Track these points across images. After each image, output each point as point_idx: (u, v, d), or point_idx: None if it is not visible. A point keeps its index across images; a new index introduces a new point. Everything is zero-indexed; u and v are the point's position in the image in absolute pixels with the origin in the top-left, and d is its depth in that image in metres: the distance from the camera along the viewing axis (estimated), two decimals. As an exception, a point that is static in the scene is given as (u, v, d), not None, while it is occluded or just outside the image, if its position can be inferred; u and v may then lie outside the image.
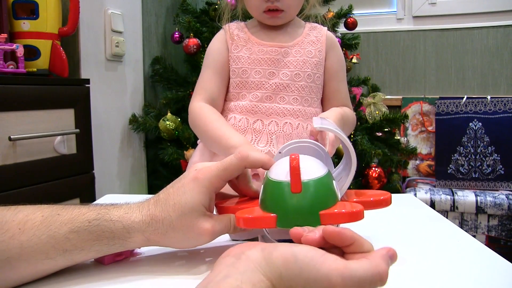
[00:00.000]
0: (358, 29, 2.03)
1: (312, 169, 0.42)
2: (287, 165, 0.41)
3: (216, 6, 1.82)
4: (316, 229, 0.35)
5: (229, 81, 0.80)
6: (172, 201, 0.44)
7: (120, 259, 0.48)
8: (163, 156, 1.77)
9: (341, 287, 0.30)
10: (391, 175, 1.96)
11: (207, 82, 0.79)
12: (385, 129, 1.94)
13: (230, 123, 0.78)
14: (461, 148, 1.98)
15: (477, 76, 2.23)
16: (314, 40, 0.81)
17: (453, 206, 1.80)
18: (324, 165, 0.44)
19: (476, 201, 1.77)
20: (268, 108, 0.77)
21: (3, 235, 0.40)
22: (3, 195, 1.08)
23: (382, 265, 0.32)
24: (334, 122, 0.63)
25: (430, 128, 2.15)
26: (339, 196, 0.43)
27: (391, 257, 0.33)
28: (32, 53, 1.30)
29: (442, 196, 1.81)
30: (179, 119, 1.78)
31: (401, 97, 2.24)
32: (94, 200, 1.05)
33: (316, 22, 0.86)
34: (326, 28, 0.84)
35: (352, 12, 2.00)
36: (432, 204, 1.80)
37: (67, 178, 1.27)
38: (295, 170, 0.40)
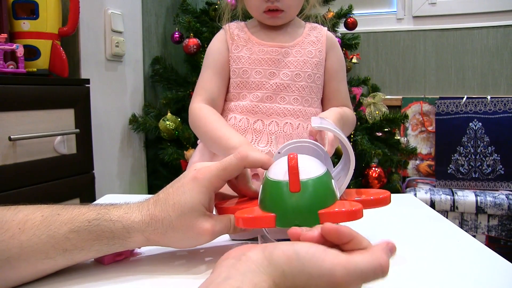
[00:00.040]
0: (358, 29, 2.03)
1: (311, 168, 0.42)
2: (286, 164, 0.41)
3: (216, 6, 1.82)
4: (314, 228, 0.35)
5: (229, 81, 0.80)
6: (172, 200, 0.44)
7: (120, 259, 0.48)
8: (163, 156, 1.77)
9: (345, 280, 0.31)
10: (391, 175, 1.96)
11: (207, 82, 0.79)
12: (385, 129, 1.94)
13: (231, 123, 0.78)
14: (461, 148, 1.98)
15: (477, 76, 2.23)
16: (314, 40, 0.81)
17: (453, 206, 1.80)
18: (323, 164, 0.44)
19: (476, 201, 1.77)
20: (268, 108, 0.77)
21: (3, 234, 0.40)
22: (3, 195, 1.08)
23: (383, 257, 0.32)
24: (333, 122, 0.63)
25: (430, 128, 2.15)
26: (338, 195, 0.43)
27: (391, 249, 0.34)
28: (32, 53, 1.30)
29: (442, 196, 1.81)
30: (179, 119, 1.78)
31: (401, 97, 2.24)
32: (94, 200, 1.05)
33: (316, 22, 0.86)
34: (326, 28, 0.84)
35: (352, 12, 2.00)
36: (432, 204, 1.80)
37: (67, 178, 1.27)
38: (293, 169, 0.40)
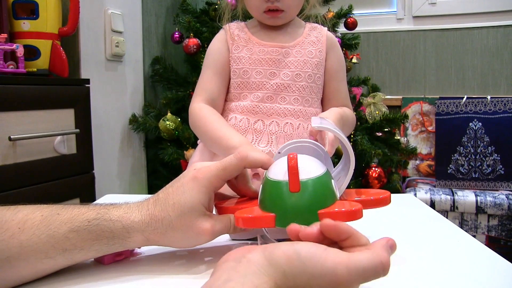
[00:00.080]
0: (358, 29, 2.03)
1: (310, 168, 0.42)
2: (286, 164, 0.41)
3: (216, 6, 1.82)
4: (313, 224, 0.35)
5: (230, 81, 0.80)
6: (172, 200, 0.44)
7: (120, 259, 0.48)
8: (163, 156, 1.77)
9: (346, 279, 0.31)
10: (391, 175, 1.96)
11: (207, 82, 0.79)
12: (385, 129, 1.94)
13: (231, 123, 0.78)
14: (461, 148, 1.98)
15: (477, 76, 2.23)
16: (315, 41, 0.81)
17: (453, 206, 1.80)
18: (323, 164, 0.44)
19: (476, 201, 1.77)
20: (269, 108, 0.77)
21: (2, 234, 0.40)
22: (3, 195, 1.08)
23: (383, 255, 0.32)
24: (333, 122, 0.63)
25: (430, 128, 2.15)
26: (338, 195, 0.43)
27: (391, 247, 0.34)
28: (32, 53, 1.30)
29: (442, 196, 1.81)
30: (179, 119, 1.78)
31: (401, 97, 2.24)
32: (94, 200, 1.05)
33: (316, 22, 0.86)
34: (326, 28, 0.84)
35: (352, 12, 2.00)
36: (432, 204, 1.80)
37: (67, 178, 1.27)
38: (293, 169, 0.40)
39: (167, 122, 1.75)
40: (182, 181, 0.46)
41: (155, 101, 2.02)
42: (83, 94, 1.35)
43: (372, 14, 2.38)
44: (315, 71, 0.79)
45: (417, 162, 2.17)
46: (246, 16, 0.86)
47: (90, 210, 0.44)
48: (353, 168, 0.46)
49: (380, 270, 0.32)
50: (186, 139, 1.74)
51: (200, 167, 0.46)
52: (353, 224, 0.39)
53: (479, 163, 1.95)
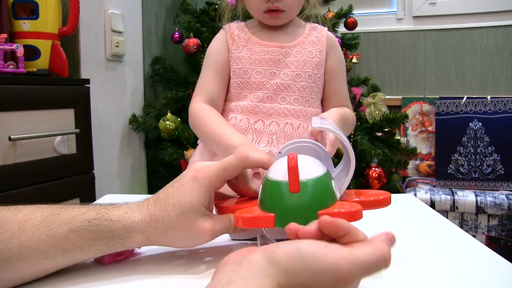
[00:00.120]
0: (358, 29, 2.03)
1: (311, 168, 0.42)
2: (286, 165, 0.41)
3: (216, 6, 1.82)
4: (311, 223, 0.35)
5: (230, 81, 0.80)
6: (172, 200, 0.44)
7: (120, 259, 0.48)
8: (163, 156, 1.77)
9: (349, 274, 0.31)
10: (391, 175, 1.96)
11: (207, 82, 0.79)
12: (385, 129, 1.94)
13: (231, 123, 0.78)
14: (461, 148, 1.98)
15: (477, 76, 2.23)
16: (315, 41, 0.81)
17: (453, 206, 1.80)
18: (323, 164, 0.44)
19: (476, 201, 1.77)
20: (269, 108, 0.77)
21: (3, 234, 0.40)
22: (3, 195, 1.08)
23: (384, 248, 0.32)
24: (333, 122, 0.63)
25: (430, 128, 2.15)
26: (338, 196, 0.43)
27: (391, 240, 0.34)
28: (32, 53, 1.30)
29: (442, 196, 1.81)
30: (179, 119, 1.78)
31: (401, 97, 2.24)
32: (94, 200, 1.05)
33: (316, 22, 0.86)
34: (326, 28, 0.84)
35: (352, 12, 2.00)
36: (432, 204, 1.80)
37: (67, 178, 1.27)
38: (293, 169, 0.40)
39: (167, 122, 1.75)
40: (182, 181, 0.46)
41: (155, 101, 2.02)
42: (83, 94, 1.35)
43: (372, 14, 2.38)
44: (315, 71, 0.79)
45: (417, 162, 2.17)
46: (246, 16, 0.86)
47: (90, 210, 0.44)
48: (354, 168, 0.46)
49: (382, 263, 0.32)
50: (186, 139, 1.74)
51: (200, 167, 0.46)
52: (353, 224, 0.39)
53: (479, 163, 1.95)
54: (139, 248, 0.50)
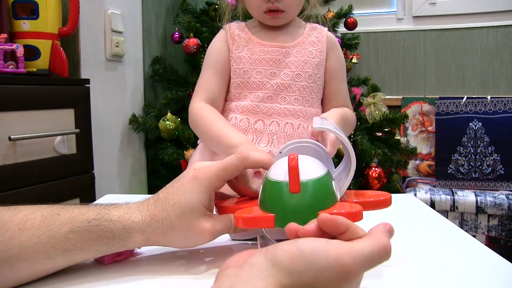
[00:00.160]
0: (358, 29, 2.03)
1: (311, 169, 0.42)
2: (286, 165, 0.41)
3: (216, 6, 1.82)
4: (310, 222, 0.35)
5: (230, 81, 0.80)
6: (172, 200, 0.44)
7: (120, 259, 0.48)
8: (163, 156, 1.77)
9: (353, 268, 0.31)
10: (391, 175, 1.96)
11: (207, 82, 0.79)
12: (385, 129, 1.94)
13: (231, 123, 0.78)
14: (461, 148, 1.98)
15: (477, 76, 2.23)
16: (315, 41, 0.81)
17: (453, 206, 1.80)
18: (324, 165, 0.44)
19: (476, 201, 1.77)
20: (269, 108, 0.77)
21: (3, 235, 0.40)
22: (3, 195, 1.08)
23: (384, 239, 0.33)
24: (334, 123, 0.63)
25: (430, 128, 2.15)
26: (338, 197, 0.43)
27: (389, 230, 0.34)
28: (32, 53, 1.30)
29: (442, 196, 1.81)
30: (179, 119, 1.78)
31: (401, 97, 2.24)
32: (94, 200, 1.05)
33: (316, 23, 0.86)
34: (326, 28, 0.84)
35: (352, 12, 2.00)
36: (432, 204, 1.80)
37: (67, 178, 1.27)
38: (293, 170, 0.40)
39: (167, 122, 1.75)
40: (182, 181, 0.46)
41: (155, 101, 2.02)
42: (83, 94, 1.35)
43: (372, 14, 2.38)
44: (316, 71, 0.79)
45: (417, 162, 2.17)
46: (247, 16, 0.86)
47: (90, 210, 0.44)
48: (354, 169, 0.46)
49: (384, 254, 0.32)
50: (186, 139, 1.74)
51: (200, 166, 0.46)
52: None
53: (479, 163, 1.95)
54: (139, 248, 0.50)
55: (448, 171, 1.99)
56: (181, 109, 1.85)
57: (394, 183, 1.96)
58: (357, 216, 0.39)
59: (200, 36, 1.85)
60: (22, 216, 0.42)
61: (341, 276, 0.31)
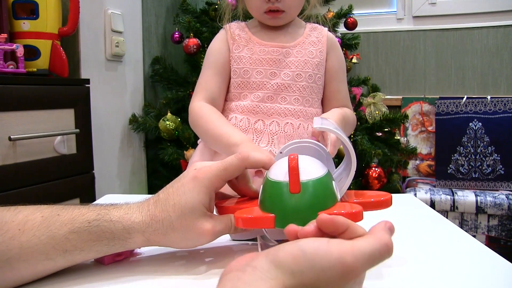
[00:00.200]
0: (358, 29, 2.03)
1: (311, 169, 0.42)
2: (286, 165, 0.41)
3: (216, 6, 1.82)
4: (310, 223, 0.35)
5: (230, 81, 0.80)
6: (172, 201, 0.44)
7: (120, 259, 0.48)
8: (163, 156, 1.77)
9: (355, 266, 0.31)
10: (391, 175, 1.96)
11: (207, 82, 0.79)
12: (385, 129, 1.94)
13: (231, 123, 0.78)
14: (461, 148, 1.98)
15: (477, 76, 2.23)
16: (315, 41, 0.81)
17: (453, 206, 1.80)
18: (324, 165, 0.44)
19: (476, 201, 1.77)
20: (269, 108, 0.77)
21: (3, 235, 0.40)
22: (3, 195, 1.08)
23: (385, 236, 0.33)
24: (335, 123, 0.63)
25: (430, 128, 2.15)
26: (339, 197, 0.43)
27: (390, 228, 0.34)
28: (32, 53, 1.30)
29: (442, 196, 1.81)
30: (179, 119, 1.78)
31: (401, 97, 2.24)
32: (94, 200, 1.05)
33: (316, 23, 0.86)
34: (326, 28, 0.84)
35: (352, 12, 2.00)
36: (432, 204, 1.80)
37: (67, 178, 1.27)
38: (293, 170, 0.40)
39: (167, 122, 1.75)
40: (182, 181, 0.45)
41: (155, 101, 2.02)
42: (83, 94, 1.35)
43: (372, 14, 2.38)
44: (316, 71, 0.79)
45: (417, 162, 2.17)
46: (247, 16, 0.86)
47: (91, 211, 0.44)
48: (355, 169, 0.46)
49: (385, 252, 0.32)
50: (186, 139, 1.74)
51: (200, 167, 0.46)
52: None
53: (479, 163, 1.95)
54: (139, 248, 0.50)
55: (448, 171, 1.99)
56: (181, 109, 1.85)
57: (394, 183, 1.96)
58: (357, 217, 0.39)
59: (200, 36, 1.85)
60: (22, 216, 0.42)
61: (344, 275, 0.31)
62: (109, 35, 1.64)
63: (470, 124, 1.98)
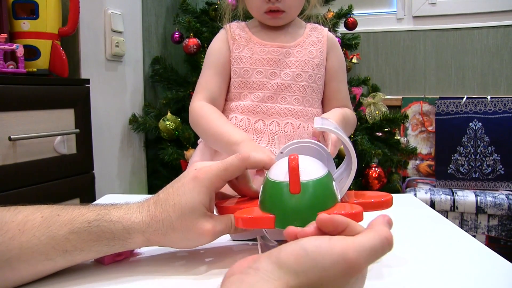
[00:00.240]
0: (358, 29, 2.03)
1: (312, 169, 0.42)
2: (286, 165, 0.41)
3: (216, 6, 1.82)
4: (309, 224, 0.35)
5: (230, 81, 0.80)
6: (172, 201, 0.44)
7: (120, 259, 0.48)
8: (163, 156, 1.77)
9: (357, 262, 0.31)
10: (391, 175, 1.96)
11: (208, 81, 0.79)
12: (385, 129, 1.94)
13: (231, 123, 0.78)
14: (461, 148, 1.98)
15: (477, 76, 2.23)
16: (315, 41, 0.81)
17: (453, 206, 1.80)
18: (324, 165, 0.44)
19: (476, 201, 1.77)
20: (269, 108, 0.77)
21: (3, 236, 0.40)
22: (3, 195, 1.08)
23: (385, 230, 0.33)
24: (335, 123, 0.63)
25: (430, 128, 2.15)
26: (339, 197, 0.43)
27: (388, 222, 0.35)
28: (32, 53, 1.30)
29: (442, 196, 1.81)
30: (179, 119, 1.78)
31: (401, 97, 2.24)
32: (94, 200, 1.05)
33: (316, 23, 0.86)
34: (327, 28, 0.84)
35: (352, 12, 2.00)
36: (432, 204, 1.80)
37: (67, 178, 1.27)
38: (294, 170, 0.40)
39: (167, 122, 1.75)
40: (182, 181, 0.45)
41: (155, 101, 2.02)
42: (83, 94, 1.35)
43: (372, 14, 2.38)
44: (316, 71, 0.79)
45: (417, 162, 2.17)
46: (247, 16, 0.86)
47: (91, 211, 0.44)
48: (355, 169, 0.46)
49: (386, 245, 0.32)
50: (186, 139, 1.74)
51: (200, 167, 0.46)
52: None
53: (479, 163, 1.95)
54: (139, 248, 0.50)
55: (448, 171, 1.99)
56: (181, 109, 1.85)
57: (394, 183, 1.96)
58: (357, 217, 0.39)
59: (200, 36, 1.85)
60: (22, 217, 0.42)
61: (347, 271, 0.31)
62: (109, 35, 1.64)
63: (470, 124, 1.98)
